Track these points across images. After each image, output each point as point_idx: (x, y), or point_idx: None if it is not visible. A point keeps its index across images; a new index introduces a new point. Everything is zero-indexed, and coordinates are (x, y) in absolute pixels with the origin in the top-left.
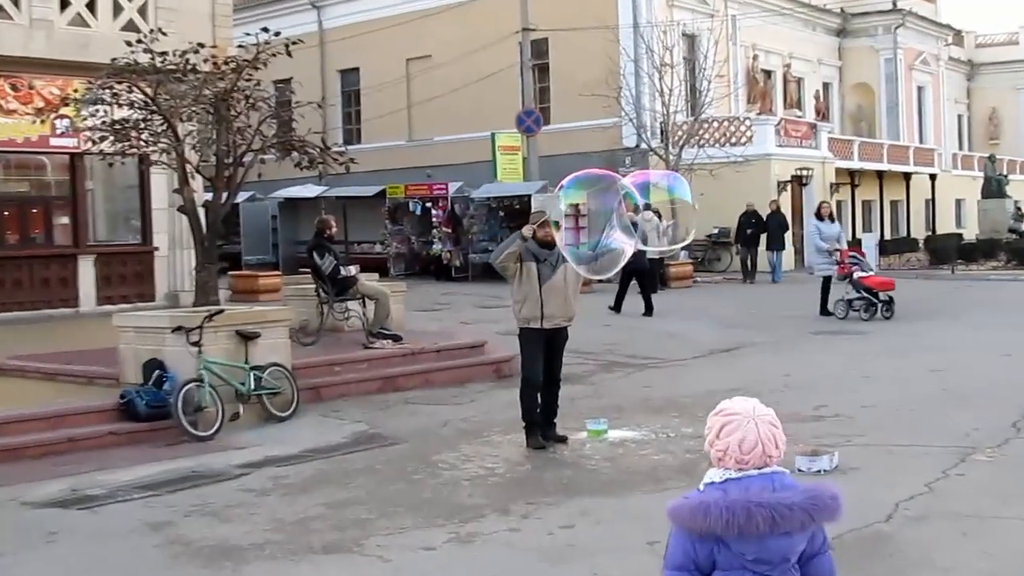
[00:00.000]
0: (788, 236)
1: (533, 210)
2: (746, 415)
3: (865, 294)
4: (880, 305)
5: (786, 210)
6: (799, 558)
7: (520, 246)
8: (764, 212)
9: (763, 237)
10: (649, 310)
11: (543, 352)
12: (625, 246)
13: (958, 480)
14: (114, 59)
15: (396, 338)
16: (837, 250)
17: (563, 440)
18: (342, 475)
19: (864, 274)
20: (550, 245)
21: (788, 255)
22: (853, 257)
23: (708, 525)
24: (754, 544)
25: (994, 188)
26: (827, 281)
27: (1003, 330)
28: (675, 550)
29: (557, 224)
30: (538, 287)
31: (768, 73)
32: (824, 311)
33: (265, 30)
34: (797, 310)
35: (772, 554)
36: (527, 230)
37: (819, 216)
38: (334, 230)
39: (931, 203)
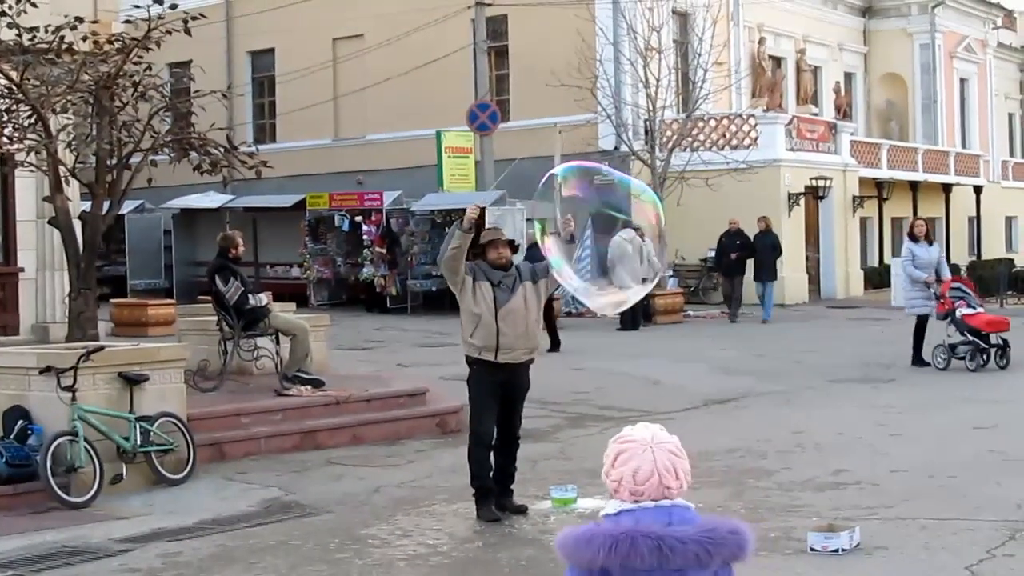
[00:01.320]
0: (781, 262)
1: (487, 226)
2: (643, 443)
3: (972, 337)
4: (992, 351)
5: (798, 230)
6: None
7: (464, 239)
8: (753, 232)
9: (751, 263)
10: (555, 345)
11: (498, 400)
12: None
13: (1007, 562)
14: None
15: (317, 383)
16: (937, 280)
17: (522, 511)
18: (248, 553)
19: (970, 311)
20: (505, 267)
21: (791, 285)
22: (957, 289)
23: (591, 556)
24: None
25: None
26: (923, 321)
27: None
28: None
29: (545, 229)
30: (494, 311)
31: (778, 61)
32: (918, 359)
33: (159, 2)
34: (814, 352)
35: None
36: (468, 217)
37: (912, 237)
38: (241, 249)
39: (976, 221)
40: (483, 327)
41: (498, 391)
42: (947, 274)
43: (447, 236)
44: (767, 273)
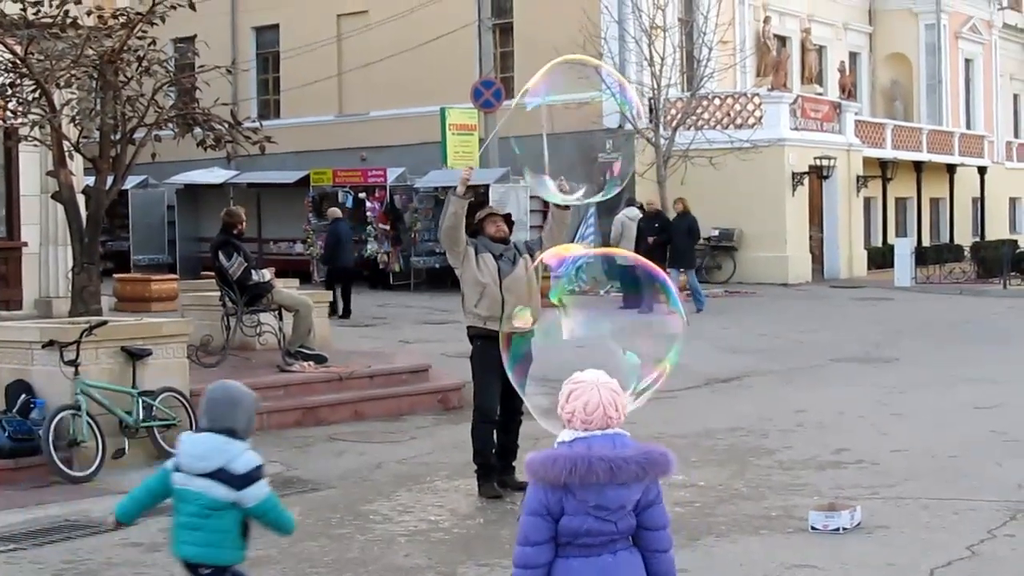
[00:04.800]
0: (703, 248)
1: (490, 203)
2: (591, 383)
3: None
4: None
5: (802, 209)
6: (636, 507)
7: (459, 204)
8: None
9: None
10: (347, 313)
11: (501, 376)
12: None
13: (1006, 542)
14: None
15: (320, 359)
16: None
17: (524, 488)
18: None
19: None
20: (504, 240)
21: (794, 264)
22: None
23: (555, 475)
24: (594, 493)
25: None
26: None
27: None
28: (531, 498)
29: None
30: (498, 281)
31: (783, 40)
32: None
33: None
34: (816, 331)
35: (610, 501)
36: (462, 179)
37: None
38: (244, 225)
39: (980, 202)
40: (488, 296)
41: (501, 366)
42: None
43: (444, 206)
44: (683, 259)
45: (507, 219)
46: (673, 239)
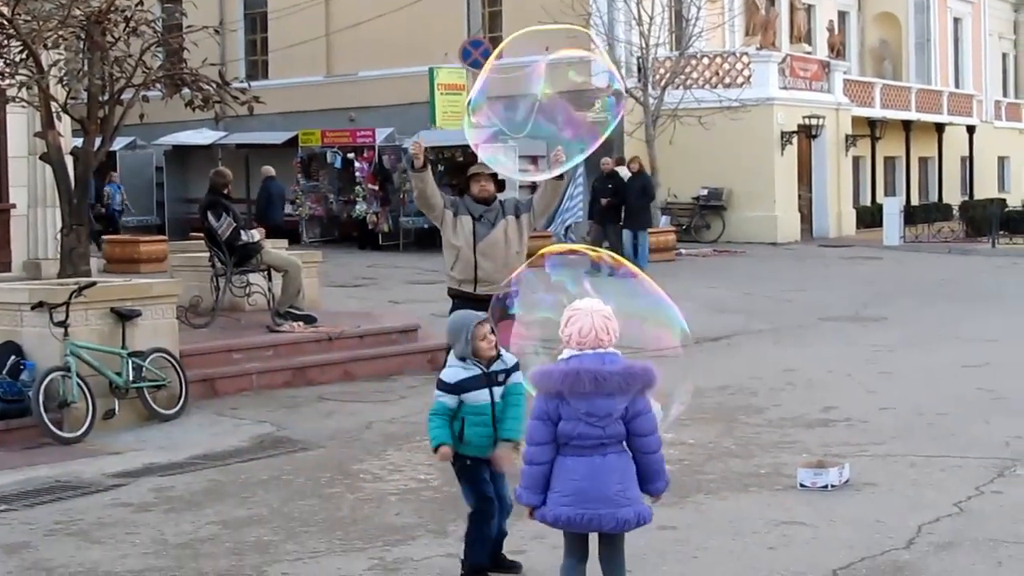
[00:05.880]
0: (658, 208)
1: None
2: (586, 310)
3: None
4: None
5: (790, 168)
6: (625, 416)
7: (417, 178)
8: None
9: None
10: None
11: None
12: None
13: (994, 499)
14: None
15: (309, 320)
16: None
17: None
18: (240, 487)
19: None
20: (487, 201)
21: (783, 224)
22: None
23: (550, 384)
24: (584, 401)
25: None
26: None
27: None
28: (536, 405)
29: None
30: (472, 244)
31: None
32: None
33: None
34: (804, 290)
35: (598, 409)
36: (411, 155)
37: None
38: (231, 185)
39: (968, 161)
40: (462, 260)
41: None
42: None
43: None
44: (636, 221)
45: (495, 179)
46: (627, 200)
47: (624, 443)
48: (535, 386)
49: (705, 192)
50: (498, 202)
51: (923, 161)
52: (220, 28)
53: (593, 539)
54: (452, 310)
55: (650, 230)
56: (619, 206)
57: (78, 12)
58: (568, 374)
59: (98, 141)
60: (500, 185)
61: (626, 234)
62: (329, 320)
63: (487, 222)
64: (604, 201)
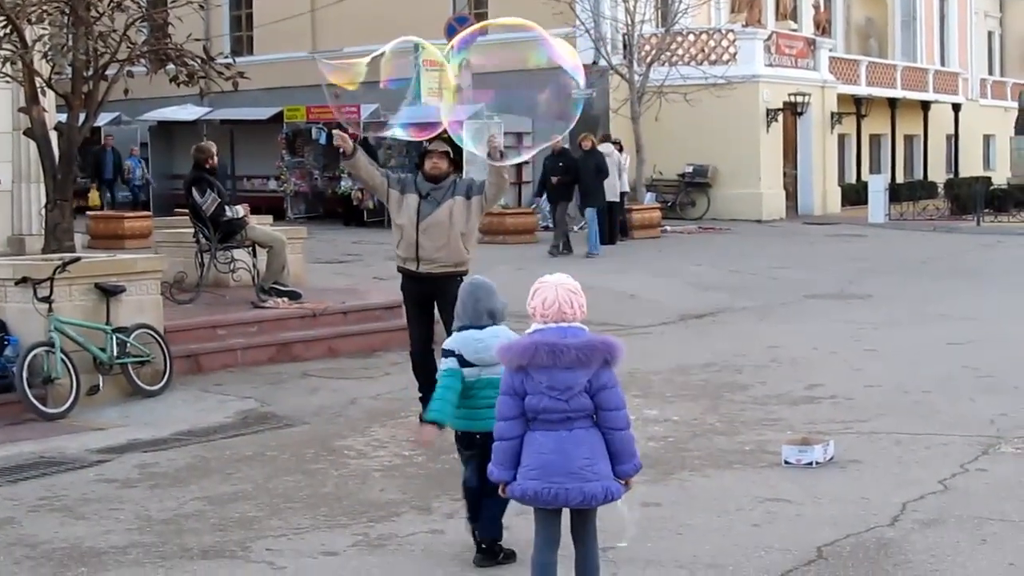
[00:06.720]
0: (616, 186)
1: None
2: (552, 283)
3: None
4: None
5: (776, 146)
6: (589, 390)
7: (349, 165)
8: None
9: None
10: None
11: (424, 310)
12: None
13: (979, 476)
14: None
15: (293, 296)
16: None
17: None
18: (225, 463)
19: None
20: (438, 179)
21: (768, 201)
22: None
23: (511, 358)
24: (545, 374)
25: None
26: None
27: None
28: (504, 380)
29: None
30: (415, 223)
31: None
32: None
33: None
34: (789, 268)
35: (559, 382)
36: (339, 147)
37: None
38: (216, 160)
39: (954, 139)
40: (405, 238)
41: (421, 301)
42: None
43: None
44: (591, 198)
45: (448, 157)
46: (581, 178)
47: (593, 418)
48: (501, 359)
49: (690, 169)
50: (452, 180)
51: (908, 139)
52: (205, 3)
53: (566, 524)
54: (401, 286)
55: (636, 206)
56: (570, 184)
57: None
58: (527, 347)
59: (82, 116)
60: (455, 164)
61: (589, 212)
62: (314, 296)
63: (433, 200)
64: (554, 179)
